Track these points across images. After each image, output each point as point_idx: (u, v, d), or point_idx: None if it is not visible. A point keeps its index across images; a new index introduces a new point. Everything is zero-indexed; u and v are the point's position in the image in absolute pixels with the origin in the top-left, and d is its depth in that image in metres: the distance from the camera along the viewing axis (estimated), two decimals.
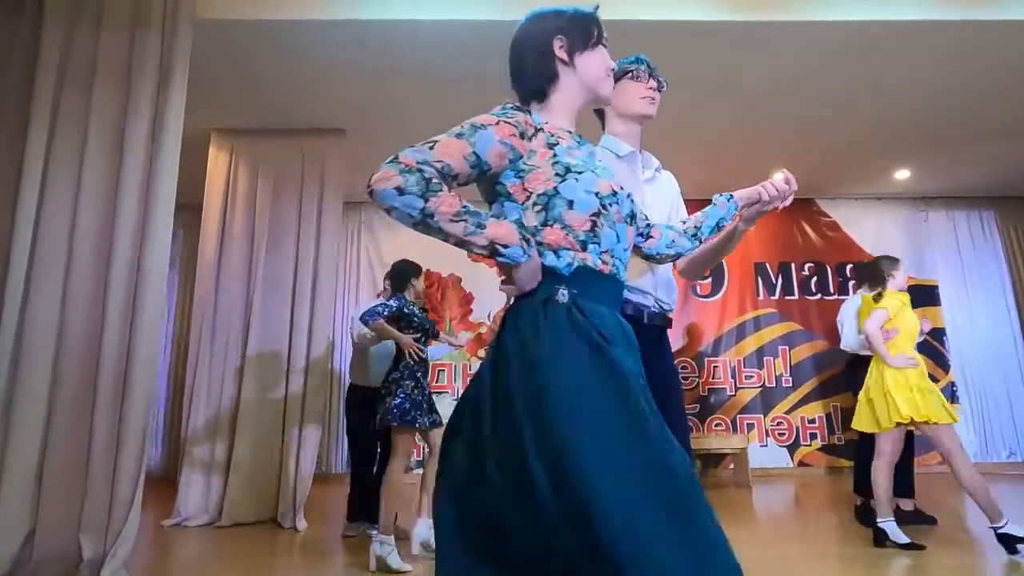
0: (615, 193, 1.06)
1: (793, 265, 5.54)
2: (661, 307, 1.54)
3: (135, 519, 2.32)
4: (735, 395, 5.28)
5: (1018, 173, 5.07)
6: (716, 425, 5.20)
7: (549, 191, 1.01)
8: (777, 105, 3.94)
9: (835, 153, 4.70)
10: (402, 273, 3.05)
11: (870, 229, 5.61)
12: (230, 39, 3.13)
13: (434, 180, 0.93)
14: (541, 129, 1.06)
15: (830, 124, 4.22)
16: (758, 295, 5.49)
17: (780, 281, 5.52)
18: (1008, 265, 5.51)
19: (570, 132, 1.11)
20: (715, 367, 5.33)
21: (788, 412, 5.23)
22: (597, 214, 1.02)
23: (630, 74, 1.54)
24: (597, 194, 1.02)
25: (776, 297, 5.46)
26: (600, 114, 1.63)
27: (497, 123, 1.01)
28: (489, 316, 5.42)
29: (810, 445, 5.18)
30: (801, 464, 5.14)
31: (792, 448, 5.19)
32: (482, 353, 5.32)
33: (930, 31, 3.15)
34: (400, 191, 0.90)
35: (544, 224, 1.00)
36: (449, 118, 3.95)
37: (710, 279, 5.53)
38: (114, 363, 2.37)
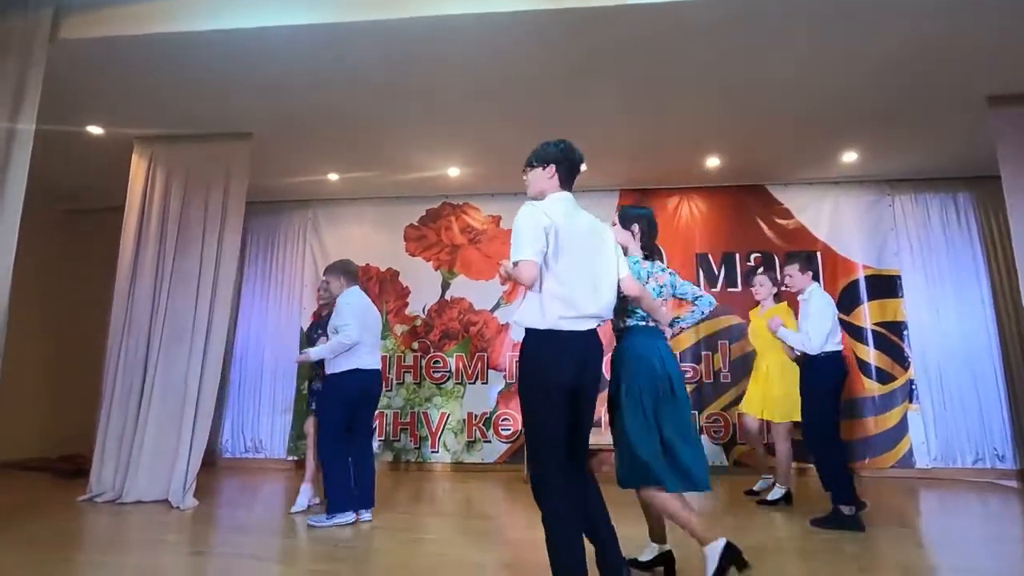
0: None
1: (738, 255, 5.29)
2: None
3: None
4: None
5: (990, 149, 4.58)
6: None
7: None
8: (711, 88, 3.69)
9: (780, 134, 4.38)
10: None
11: (825, 216, 5.25)
12: (135, 53, 3.29)
13: None
14: None
15: (764, 104, 3.93)
16: (699, 287, 5.25)
17: (723, 272, 5.29)
18: (984, 252, 5.00)
19: None
20: None
21: (725, 409, 5.03)
22: None
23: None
24: None
25: (718, 289, 5.23)
26: None
27: None
28: (424, 310, 5.52)
29: (747, 444, 4.95)
30: (737, 464, 4.94)
31: (728, 447, 4.99)
32: (416, 345, 5.44)
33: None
34: None
35: None
36: (347, 122, 4.11)
37: None
38: None
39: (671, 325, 2.61)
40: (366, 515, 3.29)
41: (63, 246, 5.93)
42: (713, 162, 4.92)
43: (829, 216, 5.24)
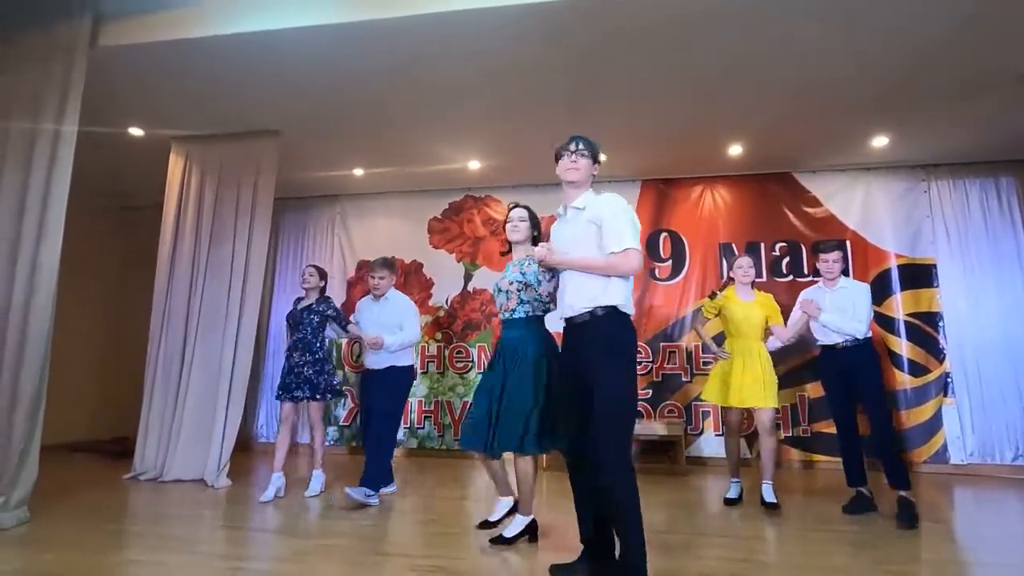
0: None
1: (763, 245, 5.19)
2: None
3: (33, 468, 2.87)
4: (691, 381, 5.09)
5: None
6: (669, 412, 5.07)
7: None
8: (733, 74, 3.62)
9: (805, 120, 4.26)
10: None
11: (856, 203, 5.10)
12: (168, 57, 3.45)
13: None
14: None
15: (790, 89, 3.81)
16: (722, 276, 5.21)
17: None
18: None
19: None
20: (671, 352, 5.17)
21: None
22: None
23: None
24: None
25: None
26: None
27: None
28: (447, 301, 5.64)
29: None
30: (760, 455, 4.86)
31: (751, 439, 4.93)
32: (439, 336, 5.57)
33: None
34: None
35: None
36: (369, 117, 4.26)
37: (670, 261, 5.34)
38: (16, 338, 2.91)
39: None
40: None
41: (115, 240, 6.31)
42: (736, 150, 4.83)
43: (860, 204, 5.08)
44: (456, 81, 3.77)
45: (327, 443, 5.15)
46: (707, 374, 5.06)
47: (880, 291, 4.88)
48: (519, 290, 2.67)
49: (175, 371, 4.21)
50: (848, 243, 5.03)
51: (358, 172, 5.39)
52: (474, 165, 5.18)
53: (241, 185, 4.38)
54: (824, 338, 3.44)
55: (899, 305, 4.89)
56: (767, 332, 3.68)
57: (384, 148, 4.88)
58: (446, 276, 5.67)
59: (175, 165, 4.54)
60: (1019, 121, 3.99)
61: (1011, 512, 3.51)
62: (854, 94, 3.88)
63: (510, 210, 2.87)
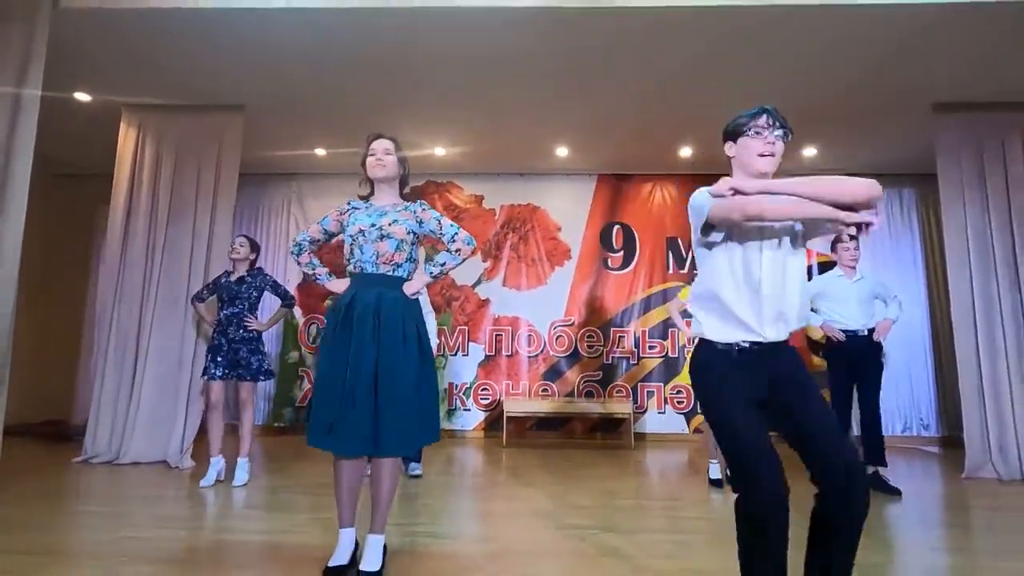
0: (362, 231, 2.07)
1: None
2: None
3: None
4: (638, 364, 5.52)
5: (932, 150, 5.04)
6: (617, 392, 5.47)
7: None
8: (685, 84, 3.98)
9: None
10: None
11: None
12: (132, 24, 3.31)
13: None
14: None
15: (737, 101, 4.17)
16: (668, 269, 5.65)
17: (690, 256, 5.66)
18: (923, 243, 5.53)
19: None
20: (621, 337, 5.57)
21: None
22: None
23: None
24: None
25: (685, 271, 5.62)
26: None
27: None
28: None
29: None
30: (697, 431, 5.39)
31: (689, 415, 5.43)
32: None
33: (808, 15, 3.18)
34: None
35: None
36: (338, 99, 4.26)
37: (622, 252, 5.71)
38: None
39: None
40: None
41: (41, 208, 5.81)
42: (686, 152, 5.24)
43: None
44: (429, 71, 3.84)
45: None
46: (653, 357, 5.53)
47: None
48: (412, 243, 2.12)
49: (130, 352, 4.05)
50: None
51: (320, 152, 5.32)
52: (440, 152, 5.26)
53: (202, 161, 4.24)
54: (847, 324, 3.57)
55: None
56: None
57: (349, 130, 4.85)
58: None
59: (126, 135, 4.31)
60: (924, 142, 4.61)
61: (899, 474, 4.16)
62: (790, 110, 4.30)
63: (371, 142, 2.26)
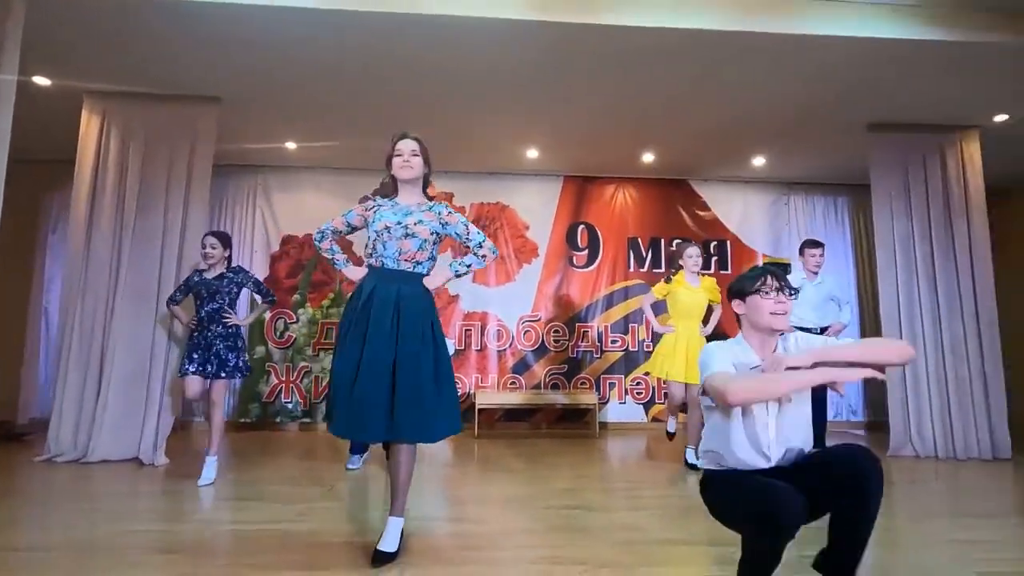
0: (387, 227, 2.16)
1: (663, 240, 6.03)
2: None
3: None
4: (601, 357, 5.81)
5: (865, 164, 5.58)
6: (581, 384, 5.75)
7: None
8: (649, 97, 4.26)
9: (704, 138, 5.07)
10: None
11: (736, 210, 6.11)
12: (100, 8, 3.20)
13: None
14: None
15: (697, 113, 4.55)
16: (629, 267, 5.97)
17: (650, 255, 6.01)
18: (853, 247, 6.11)
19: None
20: (585, 331, 5.84)
21: (646, 374, 5.80)
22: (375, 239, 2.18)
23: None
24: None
25: (645, 269, 5.96)
26: None
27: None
28: None
29: (664, 403, 5.77)
30: (655, 420, 5.75)
31: (647, 405, 5.79)
32: None
33: (749, 41, 3.47)
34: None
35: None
36: (315, 95, 4.27)
37: (586, 251, 5.98)
38: None
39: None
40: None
41: None
42: (648, 157, 5.55)
43: (739, 210, 6.11)
44: (402, 74, 3.93)
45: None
46: (615, 351, 5.84)
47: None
48: (434, 243, 2.22)
49: (96, 347, 3.93)
50: (729, 243, 6.05)
51: (290, 145, 5.28)
52: None
53: (175, 152, 4.15)
54: (802, 323, 4.00)
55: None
56: (709, 312, 4.13)
57: (324, 126, 4.86)
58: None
59: (89, 123, 4.15)
60: (858, 156, 5.11)
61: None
62: (745, 123, 4.73)
63: (396, 141, 2.29)
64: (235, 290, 3.54)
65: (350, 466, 3.73)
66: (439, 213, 2.25)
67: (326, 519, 2.63)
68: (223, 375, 3.40)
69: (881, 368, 1.55)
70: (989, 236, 4.59)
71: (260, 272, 5.63)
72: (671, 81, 4.02)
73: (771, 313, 1.65)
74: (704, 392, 1.66)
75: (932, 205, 4.62)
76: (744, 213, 6.11)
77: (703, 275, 4.11)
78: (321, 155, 5.51)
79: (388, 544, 2.08)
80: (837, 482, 1.50)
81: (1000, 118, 4.53)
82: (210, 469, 3.33)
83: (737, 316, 1.78)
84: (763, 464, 1.62)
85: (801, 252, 4.23)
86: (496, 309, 5.78)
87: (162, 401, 3.91)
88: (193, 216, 4.12)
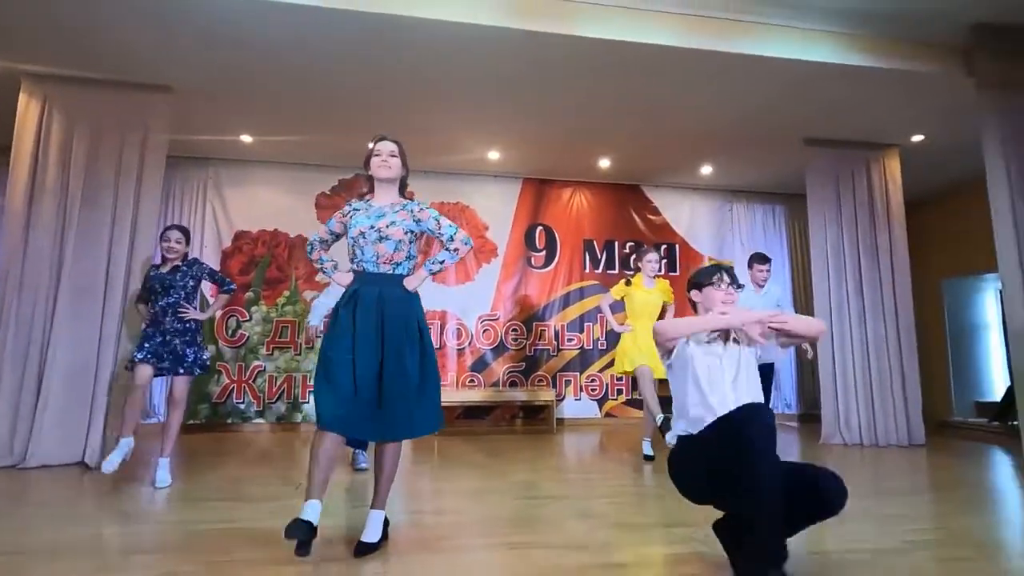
0: (362, 233, 2.18)
1: (616, 243, 6.27)
2: None
3: None
4: (557, 355, 5.99)
5: (800, 175, 6.03)
6: (538, 381, 5.90)
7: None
8: (607, 106, 4.46)
9: (656, 147, 5.34)
10: None
11: (684, 215, 6.44)
12: None
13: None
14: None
15: (650, 122, 4.80)
16: (585, 268, 6.18)
17: (604, 257, 6.24)
18: (788, 252, 6.57)
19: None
20: (542, 330, 6.00)
21: (600, 371, 6.03)
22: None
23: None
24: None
25: (600, 271, 6.18)
26: None
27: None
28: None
29: (616, 399, 6.02)
30: (608, 415, 5.98)
31: (601, 402, 6.01)
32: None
33: (702, 58, 3.72)
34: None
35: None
36: (273, 87, 4.18)
37: (544, 252, 6.14)
38: None
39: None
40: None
41: None
42: (604, 163, 5.78)
43: (687, 215, 6.44)
44: (365, 73, 3.96)
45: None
46: (571, 349, 6.03)
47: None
48: (411, 242, 2.23)
49: (34, 346, 3.71)
50: (678, 246, 6.36)
51: (246, 138, 5.14)
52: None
53: (125, 142, 3.98)
54: None
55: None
56: (663, 313, 4.32)
57: (283, 120, 4.78)
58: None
59: (28, 107, 3.91)
60: (794, 168, 5.53)
61: None
62: (695, 134, 5.04)
63: (376, 142, 2.29)
64: (191, 283, 3.39)
65: (362, 465, 3.66)
66: (412, 211, 2.27)
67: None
68: (181, 371, 3.27)
69: (800, 337, 1.96)
70: (907, 245, 5.08)
71: (215, 266, 5.44)
72: (627, 92, 4.23)
73: (722, 302, 1.98)
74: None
75: (859, 215, 5.06)
76: (691, 218, 6.45)
77: (657, 277, 4.35)
78: (278, 150, 5.40)
79: (370, 535, 2.12)
80: (820, 495, 1.72)
81: (917, 138, 5.03)
82: (164, 471, 3.20)
83: (693, 304, 2.09)
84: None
85: (750, 265, 4.44)
86: (455, 308, 5.85)
87: (110, 401, 3.74)
88: (145, 210, 3.97)
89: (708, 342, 1.95)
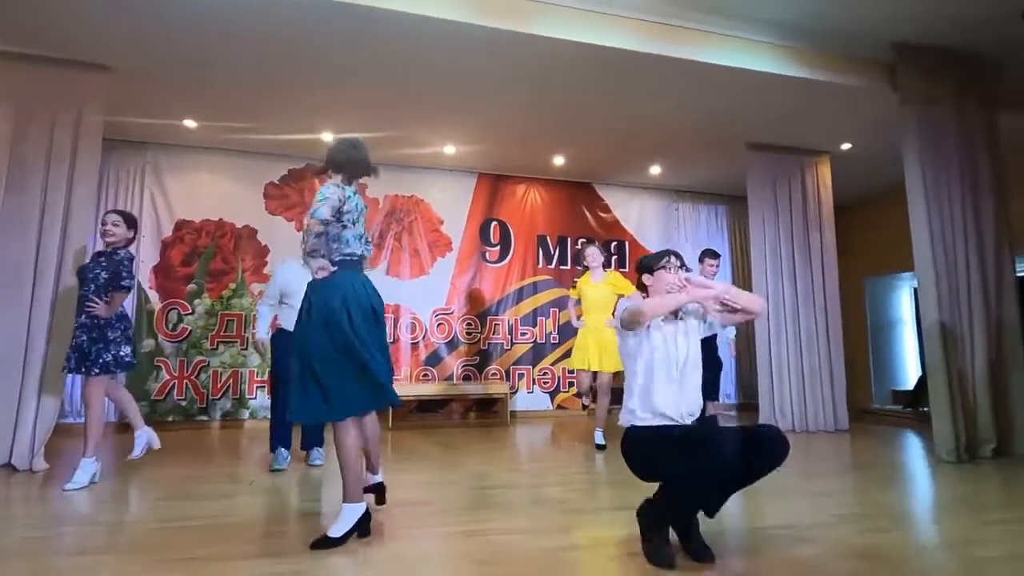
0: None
1: (569, 239, 6.41)
2: None
3: None
4: (510, 349, 6.07)
5: (741, 178, 6.36)
6: (492, 374, 5.97)
7: None
8: (564, 104, 4.55)
9: (609, 146, 5.49)
10: None
11: (634, 213, 6.66)
12: None
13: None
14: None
15: (600, 122, 4.94)
16: (538, 263, 6.29)
17: (557, 252, 6.37)
18: (730, 250, 6.91)
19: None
20: (496, 324, 6.07)
21: (553, 364, 6.16)
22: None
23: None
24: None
25: (553, 266, 6.31)
26: None
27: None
28: None
29: (568, 391, 6.18)
30: (559, 407, 6.13)
31: (553, 394, 6.15)
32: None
33: (656, 63, 3.85)
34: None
35: None
36: (222, 71, 4.01)
37: (498, 247, 6.20)
38: None
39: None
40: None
41: None
42: (559, 160, 5.89)
43: (636, 213, 6.66)
44: (320, 58, 3.87)
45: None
46: (524, 343, 6.14)
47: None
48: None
49: None
50: (627, 243, 6.58)
51: (189, 123, 4.92)
52: (327, 137, 5.21)
53: (57, 123, 3.72)
54: None
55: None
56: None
57: (231, 106, 4.61)
58: (283, 244, 5.53)
59: None
60: (736, 170, 5.82)
61: None
62: (645, 135, 5.22)
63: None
64: (103, 275, 3.11)
65: (316, 462, 3.60)
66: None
67: (256, 511, 2.58)
68: (83, 371, 3.03)
69: (742, 310, 2.12)
70: (835, 245, 5.47)
71: (151, 259, 5.20)
72: (583, 92, 4.34)
73: (672, 284, 2.09)
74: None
75: (795, 217, 5.40)
76: (640, 216, 6.68)
77: (607, 271, 4.49)
78: (224, 136, 5.19)
79: (338, 530, 2.13)
80: (764, 446, 1.88)
81: (846, 146, 5.42)
82: (83, 472, 3.00)
83: (644, 287, 2.19)
84: (677, 411, 2.00)
85: (701, 260, 4.62)
86: (409, 302, 5.82)
87: (40, 399, 3.51)
88: (79, 196, 3.74)
89: (663, 321, 2.07)
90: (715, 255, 4.59)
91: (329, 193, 2.22)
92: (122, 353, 3.12)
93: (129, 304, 4.82)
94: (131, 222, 3.26)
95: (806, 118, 4.79)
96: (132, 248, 3.28)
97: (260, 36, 3.62)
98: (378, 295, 2.37)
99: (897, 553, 2.09)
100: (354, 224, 2.31)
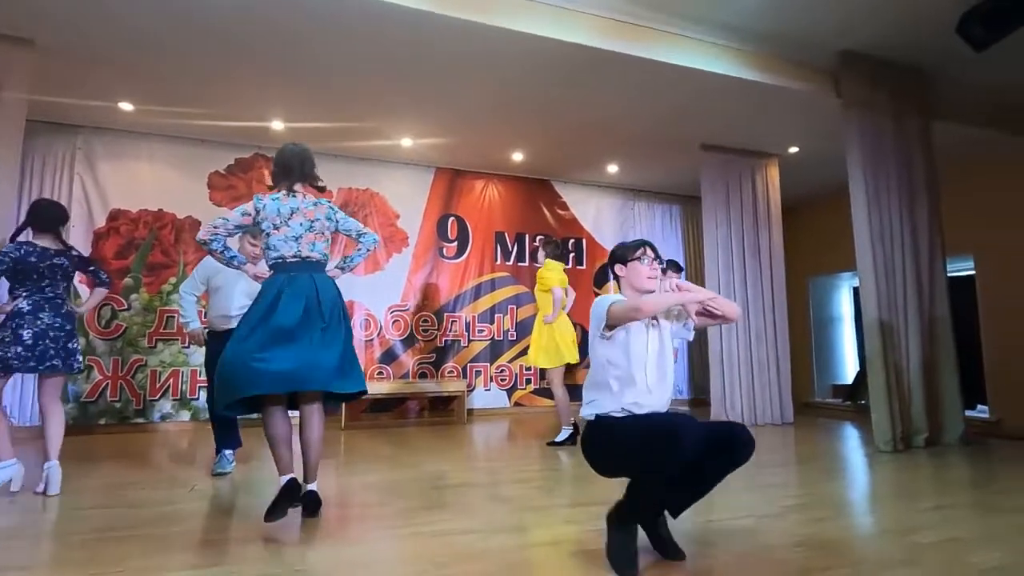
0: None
1: (527, 236, 6.40)
2: None
3: None
4: (468, 346, 6.01)
5: (695, 179, 6.50)
6: (449, 372, 5.89)
7: None
8: (524, 99, 4.50)
9: (567, 143, 5.49)
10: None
11: (591, 211, 6.71)
12: None
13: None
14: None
15: (560, 119, 4.92)
16: (496, 260, 6.24)
17: (515, 249, 6.35)
18: (684, 250, 7.07)
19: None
20: (453, 321, 5.99)
21: (510, 361, 6.14)
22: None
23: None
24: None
25: (511, 263, 6.28)
26: None
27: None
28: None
29: (525, 389, 6.17)
30: (516, 404, 6.11)
31: (510, 391, 6.13)
32: None
33: (615, 60, 3.85)
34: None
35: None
36: (167, 53, 3.75)
37: (456, 243, 6.13)
38: None
39: (341, 267, 2.63)
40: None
41: None
42: (518, 156, 5.86)
43: (594, 211, 6.72)
44: (267, 42, 3.69)
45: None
46: (481, 340, 6.09)
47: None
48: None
49: None
50: (584, 240, 6.62)
51: (126, 107, 4.60)
52: (277, 126, 5.00)
53: None
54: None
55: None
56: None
57: (173, 89, 4.34)
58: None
59: None
60: (690, 172, 5.95)
61: None
62: (602, 133, 5.26)
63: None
64: (71, 269, 3.03)
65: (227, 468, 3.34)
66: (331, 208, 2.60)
67: (195, 519, 2.43)
68: (60, 368, 2.90)
69: (721, 316, 2.06)
70: (783, 245, 5.68)
71: (81, 251, 4.83)
72: (543, 87, 4.32)
73: (647, 277, 2.03)
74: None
75: (745, 217, 5.57)
76: (597, 214, 6.73)
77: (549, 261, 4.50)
78: (165, 121, 4.90)
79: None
80: (724, 443, 1.86)
81: (793, 149, 5.62)
82: (57, 474, 2.84)
83: (617, 278, 2.12)
84: (649, 405, 1.93)
85: (664, 272, 4.73)
86: (363, 298, 5.66)
87: None
88: (1, 184, 3.44)
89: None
90: (678, 268, 4.86)
91: (230, 215, 2.40)
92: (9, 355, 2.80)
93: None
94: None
95: (758, 121, 4.93)
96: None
97: (202, 16, 3.41)
98: (330, 292, 2.41)
99: (842, 541, 2.17)
100: (277, 228, 2.37)
